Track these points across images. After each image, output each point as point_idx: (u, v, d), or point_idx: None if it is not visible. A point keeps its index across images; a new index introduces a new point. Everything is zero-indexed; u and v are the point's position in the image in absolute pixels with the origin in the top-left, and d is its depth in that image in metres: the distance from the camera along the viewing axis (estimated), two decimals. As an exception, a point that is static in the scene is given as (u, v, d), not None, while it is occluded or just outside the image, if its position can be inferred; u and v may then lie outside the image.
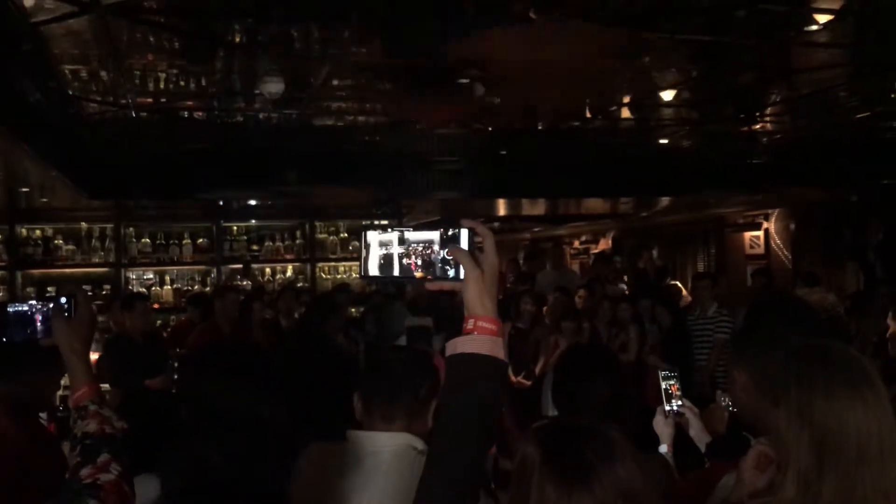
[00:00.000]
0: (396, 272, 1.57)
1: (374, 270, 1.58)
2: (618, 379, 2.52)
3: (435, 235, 1.54)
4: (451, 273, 1.52)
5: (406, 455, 2.25)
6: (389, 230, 1.58)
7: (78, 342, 2.09)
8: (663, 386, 3.01)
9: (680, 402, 3.00)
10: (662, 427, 2.92)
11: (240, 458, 1.62)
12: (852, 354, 1.86)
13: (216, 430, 1.67)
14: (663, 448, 2.87)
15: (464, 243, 1.53)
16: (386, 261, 1.56)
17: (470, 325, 1.50)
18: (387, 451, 2.26)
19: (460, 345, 1.49)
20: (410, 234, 1.56)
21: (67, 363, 2.09)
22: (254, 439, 1.66)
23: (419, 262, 1.55)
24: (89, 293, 9.31)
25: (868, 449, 1.71)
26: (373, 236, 1.58)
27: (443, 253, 1.53)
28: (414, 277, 1.56)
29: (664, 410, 2.97)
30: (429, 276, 1.55)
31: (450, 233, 1.53)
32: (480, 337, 1.49)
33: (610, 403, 2.41)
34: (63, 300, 2.14)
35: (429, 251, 1.54)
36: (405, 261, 1.55)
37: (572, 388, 2.50)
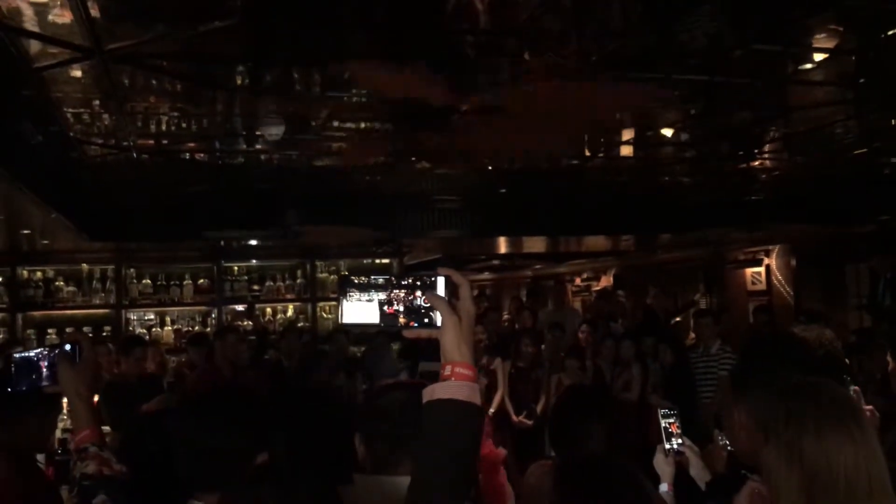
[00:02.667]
0: (377, 319, 1.59)
1: (352, 317, 1.60)
2: (614, 420, 2.51)
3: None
4: (434, 320, 1.55)
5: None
6: (364, 279, 1.61)
7: (83, 386, 2.15)
8: (663, 424, 3.00)
9: (680, 441, 2.99)
10: (663, 466, 2.91)
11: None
12: (841, 392, 1.87)
13: (269, 478, 1.66)
14: (664, 487, 2.85)
15: (440, 291, 1.56)
16: (368, 308, 1.58)
17: (447, 371, 1.52)
18: (392, 496, 2.24)
19: (438, 390, 1.51)
20: (386, 285, 1.58)
21: (71, 406, 2.15)
22: (303, 484, 1.66)
23: (401, 309, 1.57)
24: (90, 335, 9.34)
25: (857, 487, 1.72)
26: (349, 290, 1.61)
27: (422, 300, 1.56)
28: (396, 324, 1.58)
29: (664, 449, 2.96)
30: (412, 323, 1.57)
31: (427, 280, 1.57)
32: (458, 383, 1.50)
33: (606, 444, 2.40)
34: (68, 347, 2.19)
35: (412, 298, 1.56)
36: (386, 308, 1.57)
37: (569, 429, 2.49)
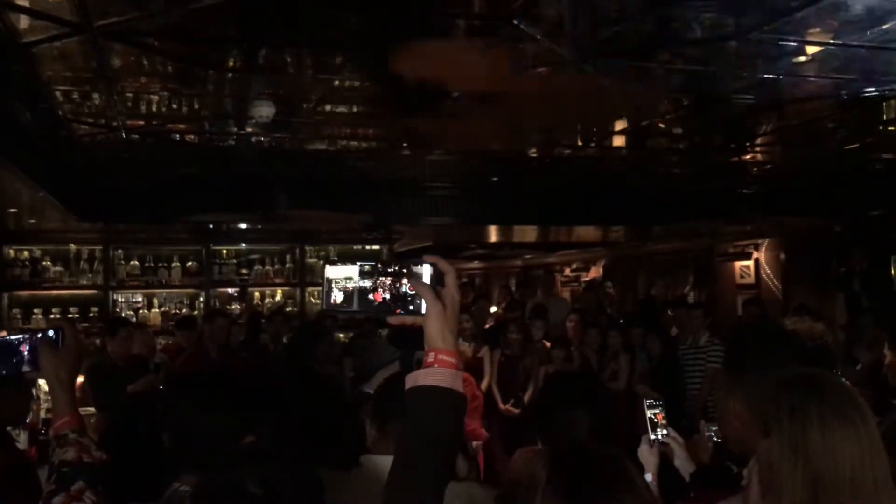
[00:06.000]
0: (361, 305, 1.59)
1: (336, 303, 1.60)
2: (600, 407, 2.50)
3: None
4: (419, 307, 1.56)
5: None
6: (350, 265, 1.61)
7: (64, 372, 2.11)
8: (648, 415, 3.01)
9: (665, 432, 2.99)
10: (647, 456, 2.91)
11: (276, 488, 1.61)
12: (844, 385, 1.85)
13: (252, 461, 1.65)
14: (648, 477, 2.85)
15: (426, 278, 1.56)
16: (351, 294, 1.59)
17: (430, 357, 1.52)
18: None
19: (421, 377, 1.52)
20: (372, 271, 1.59)
21: (51, 392, 2.12)
22: (287, 469, 1.65)
23: (387, 296, 1.58)
24: (76, 316, 9.33)
25: (862, 482, 1.70)
26: (332, 271, 1.61)
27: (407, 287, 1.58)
28: (381, 310, 1.59)
29: (649, 439, 2.96)
30: (398, 310, 1.57)
31: (413, 268, 1.58)
32: (441, 370, 1.51)
33: (592, 432, 2.40)
34: (51, 332, 2.17)
35: (398, 285, 1.56)
36: (372, 295, 1.58)
37: (553, 416, 2.48)
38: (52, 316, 9.42)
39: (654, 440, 2.97)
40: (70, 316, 9.48)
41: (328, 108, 5.53)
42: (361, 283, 1.58)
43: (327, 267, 1.61)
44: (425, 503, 1.47)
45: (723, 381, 2.40)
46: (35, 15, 3.44)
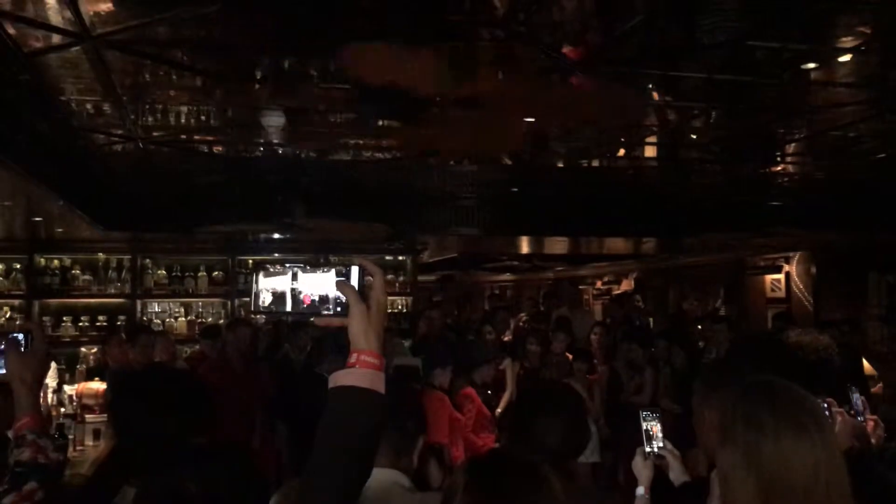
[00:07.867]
0: (290, 307, 1.63)
1: (265, 305, 1.63)
2: (573, 417, 2.47)
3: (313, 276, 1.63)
4: (347, 308, 1.58)
5: (392, 492, 2.26)
6: (279, 267, 1.65)
7: (28, 374, 2.16)
8: (644, 427, 2.96)
9: (661, 444, 2.93)
10: (641, 469, 2.87)
11: (216, 488, 1.61)
12: (801, 394, 1.80)
13: (192, 462, 1.65)
14: (640, 490, 2.81)
15: (353, 280, 1.58)
16: (280, 296, 1.61)
17: (353, 358, 1.53)
18: (372, 488, 2.21)
19: (341, 377, 1.52)
20: (300, 273, 1.61)
21: (15, 393, 2.17)
22: (226, 467, 1.65)
23: (315, 298, 1.60)
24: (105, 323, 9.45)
25: (814, 492, 1.66)
26: (262, 277, 1.64)
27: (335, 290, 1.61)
28: (305, 312, 1.63)
29: (644, 452, 2.91)
30: (325, 311, 1.60)
31: (342, 270, 1.61)
32: (362, 370, 1.52)
33: (564, 441, 2.37)
34: (20, 336, 2.25)
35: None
36: (300, 296, 1.61)
37: (525, 424, 2.46)
38: (80, 324, 9.58)
39: (648, 452, 2.92)
40: (98, 323, 9.64)
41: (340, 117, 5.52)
42: (291, 286, 1.60)
43: (260, 275, 1.64)
44: (340, 500, 1.47)
45: (698, 392, 2.37)
46: (32, 24, 3.45)
